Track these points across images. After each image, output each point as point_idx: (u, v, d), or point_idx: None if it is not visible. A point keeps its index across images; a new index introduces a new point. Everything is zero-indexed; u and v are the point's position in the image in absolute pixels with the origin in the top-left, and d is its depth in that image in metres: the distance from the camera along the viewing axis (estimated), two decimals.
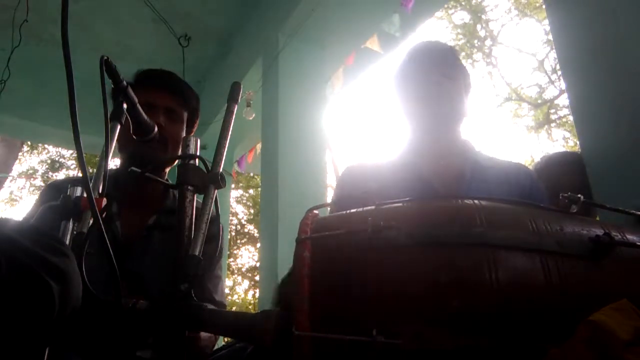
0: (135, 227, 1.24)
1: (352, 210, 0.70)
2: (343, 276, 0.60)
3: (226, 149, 0.92)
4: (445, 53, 1.27)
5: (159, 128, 1.24)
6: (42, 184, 10.11)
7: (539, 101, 9.85)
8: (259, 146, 3.49)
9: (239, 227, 10.88)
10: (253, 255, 10.74)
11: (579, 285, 0.57)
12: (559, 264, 0.56)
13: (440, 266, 0.57)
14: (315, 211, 0.71)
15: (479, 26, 9.80)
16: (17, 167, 10.01)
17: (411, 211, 0.66)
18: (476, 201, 0.65)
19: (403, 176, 1.17)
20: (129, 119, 0.94)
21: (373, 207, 0.67)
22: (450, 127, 1.24)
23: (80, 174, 0.93)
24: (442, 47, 1.28)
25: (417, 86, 1.23)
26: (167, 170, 1.39)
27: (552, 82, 9.45)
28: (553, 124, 9.74)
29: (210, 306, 0.78)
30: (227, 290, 9.50)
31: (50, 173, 10.32)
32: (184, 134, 1.36)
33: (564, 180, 1.50)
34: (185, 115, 1.36)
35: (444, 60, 1.24)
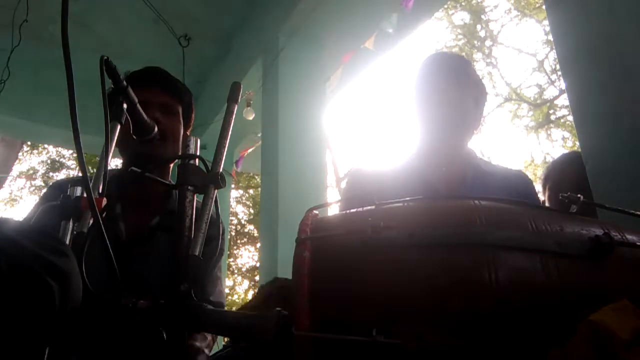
0: (138, 228, 1.24)
1: (352, 211, 0.70)
2: (343, 276, 0.60)
3: (226, 149, 0.92)
4: (460, 65, 1.29)
5: (156, 124, 1.25)
6: (42, 184, 10.11)
7: (539, 101, 9.85)
8: (257, 144, 3.50)
9: (239, 227, 10.88)
10: (253, 255, 10.74)
11: (578, 285, 0.57)
12: (559, 264, 0.56)
13: (440, 266, 0.57)
14: (315, 211, 0.71)
15: (479, 26, 9.80)
16: (17, 167, 10.01)
17: (411, 211, 0.66)
18: (476, 201, 0.65)
19: (408, 180, 1.20)
20: (129, 119, 0.94)
21: (373, 207, 0.67)
22: (458, 137, 1.27)
23: (80, 174, 0.93)
24: (457, 58, 1.32)
25: (432, 94, 1.25)
26: (170, 170, 1.38)
27: (552, 82, 9.45)
28: (552, 124, 9.74)
29: (210, 306, 0.78)
30: (227, 290, 9.50)
31: (50, 173, 10.32)
32: (181, 129, 1.36)
33: (571, 179, 1.49)
34: (180, 109, 1.36)
35: (459, 71, 1.27)
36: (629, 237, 0.60)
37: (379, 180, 1.23)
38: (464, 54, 9.70)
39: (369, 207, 0.67)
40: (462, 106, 1.23)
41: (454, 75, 1.25)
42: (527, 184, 1.29)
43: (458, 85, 1.24)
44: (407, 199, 0.68)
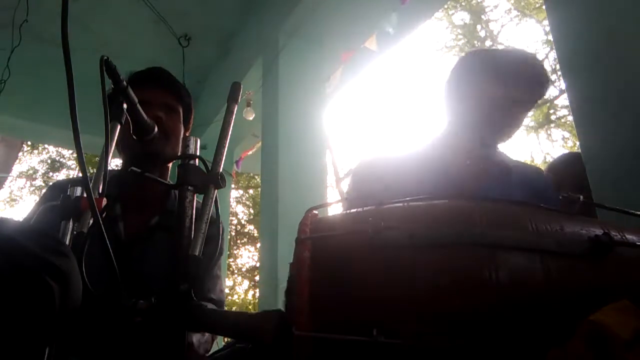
0: (137, 228, 1.24)
1: (352, 210, 0.70)
2: (343, 276, 0.60)
3: (226, 149, 0.92)
4: (537, 74, 1.18)
5: (159, 122, 1.25)
6: (42, 184, 10.11)
7: (539, 101, 9.82)
8: (257, 145, 3.50)
9: (239, 227, 10.88)
10: (253, 255, 10.75)
11: (578, 285, 0.57)
12: (559, 263, 0.56)
13: (440, 266, 0.57)
14: (315, 211, 0.71)
15: (479, 26, 9.80)
16: (17, 167, 10.02)
17: (412, 211, 0.65)
18: (476, 201, 0.65)
19: (430, 168, 1.17)
20: (129, 119, 0.94)
21: (373, 207, 0.67)
22: (489, 137, 1.23)
23: (80, 174, 0.93)
24: (536, 65, 1.19)
25: (474, 93, 1.19)
26: (169, 169, 1.39)
27: (552, 82, 9.44)
28: (552, 124, 9.74)
29: (210, 306, 0.78)
30: (227, 290, 9.50)
31: (50, 173, 10.32)
32: (182, 129, 1.37)
33: (573, 179, 1.49)
34: (181, 110, 1.37)
35: (506, 72, 1.17)
36: (629, 236, 0.60)
37: (396, 170, 1.19)
38: (463, 54, 9.70)
39: (369, 207, 0.67)
40: (514, 122, 1.19)
41: (502, 77, 1.16)
42: (546, 183, 1.28)
43: (520, 98, 1.16)
44: (408, 199, 0.68)
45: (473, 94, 1.20)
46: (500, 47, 9.56)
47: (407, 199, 0.68)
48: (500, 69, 1.17)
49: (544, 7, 1.77)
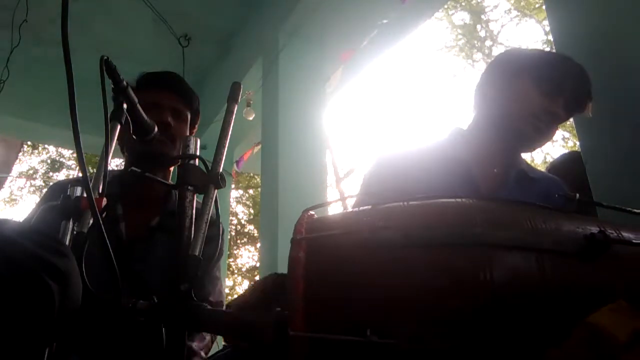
0: (139, 229, 1.24)
1: (349, 211, 0.70)
2: (339, 277, 0.59)
3: (226, 149, 0.92)
4: (584, 93, 1.10)
5: (168, 127, 1.26)
6: (42, 184, 10.11)
7: None
8: (256, 147, 3.50)
9: (239, 227, 10.88)
10: (253, 255, 10.75)
11: (573, 283, 0.57)
12: (554, 262, 0.56)
13: (437, 266, 0.57)
14: (312, 212, 0.71)
15: (479, 26, 9.80)
16: (17, 167, 10.01)
17: (408, 211, 0.65)
18: (473, 201, 0.65)
19: (450, 170, 1.13)
20: (129, 119, 0.94)
21: (370, 207, 0.67)
22: (517, 150, 1.19)
23: (80, 174, 0.93)
24: (586, 84, 1.10)
25: (527, 106, 1.10)
26: (171, 172, 1.39)
27: None
28: None
29: (209, 306, 0.78)
30: (227, 290, 9.49)
31: (50, 173, 10.32)
32: (187, 134, 1.37)
33: (575, 177, 1.49)
34: (189, 116, 1.38)
35: (574, 98, 1.10)
36: (625, 234, 0.60)
37: (417, 166, 1.14)
38: (463, 53, 9.71)
39: (365, 207, 0.67)
40: (547, 137, 1.13)
41: (547, 88, 1.08)
42: (559, 191, 1.24)
43: (541, 96, 1.08)
44: (408, 198, 0.68)
45: (507, 98, 1.13)
46: (499, 47, 9.54)
47: (409, 198, 0.68)
48: (548, 77, 1.09)
49: (544, 7, 1.77)
